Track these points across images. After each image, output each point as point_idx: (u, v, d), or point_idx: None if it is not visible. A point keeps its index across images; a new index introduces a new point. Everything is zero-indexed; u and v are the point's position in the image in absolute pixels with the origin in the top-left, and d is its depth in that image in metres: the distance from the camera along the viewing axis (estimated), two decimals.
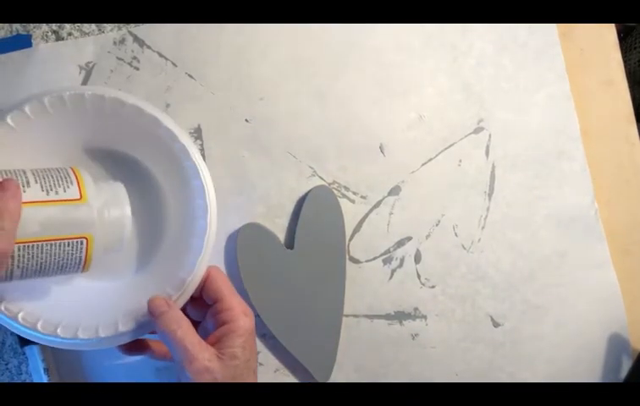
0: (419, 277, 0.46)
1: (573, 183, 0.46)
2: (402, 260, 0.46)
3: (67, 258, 0.32)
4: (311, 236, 0.44)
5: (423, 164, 0.46)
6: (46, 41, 0.43)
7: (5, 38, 0.42)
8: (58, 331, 0.36)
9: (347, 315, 0.46)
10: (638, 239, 0.48)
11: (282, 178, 0.45)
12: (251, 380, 0.36)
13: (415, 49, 0.45)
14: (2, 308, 0.35)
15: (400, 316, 0.46)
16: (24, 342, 0.41)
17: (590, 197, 0.47)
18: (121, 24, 0.43)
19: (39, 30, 0.43)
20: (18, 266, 0.30)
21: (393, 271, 0.46)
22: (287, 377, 0.46)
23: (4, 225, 0.28)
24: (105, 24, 0.43)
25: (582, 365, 0.47)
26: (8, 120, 0.35)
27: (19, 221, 0.29)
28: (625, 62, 0.50)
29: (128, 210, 0.35)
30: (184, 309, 0.38)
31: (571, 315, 0.47)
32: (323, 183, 0.45)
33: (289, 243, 0.44)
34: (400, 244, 0.46)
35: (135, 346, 0.39)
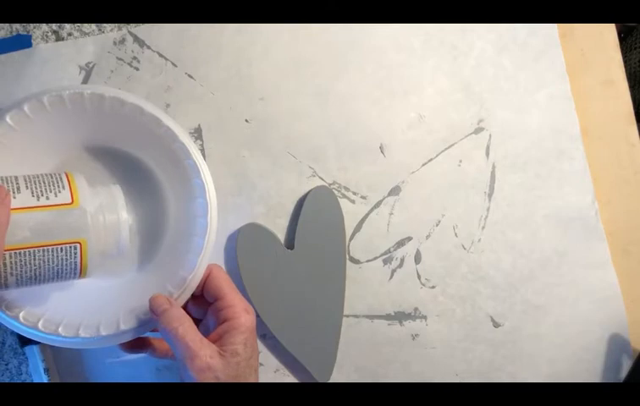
0: (419, 277, 0.46)
1: (573, 183, 0.46)
2: (402, 261, 0.46)
3: (61, 264, 0.32)
4: (311, 236, 0.44)
5: (423, 164, 0.46)
6: (46, 41, 0.43)
7: (5, 38, 0.42)
8: (60, 330, 0.36)
9: (347, 315, 0.46)
10: (638, 239, 0.48)
11: (282, 178, 0.45)
12: (252, 377, 0.36)
13: (415, 49, 0.45)
14: (3, 308, 0.35)
15: (400, 316, 0.46)
16: (24, 342, 0.41)
17: (590, 197, 0.47)
18: (121, 24, 0.43)
19: (39, 30, 0.43)
20: (11, 274, 0.30)
21: (393, 272, 0.46)
22: (287, 377, 0.46)
23: None
24: (105, 24, 0.43)
25: (582, 365, 0.47)
26: (8, 119, 0.35)
27: (9, 227, 0.29)
28: (625, 62, 0.50)
29: (124, 214, 0.35)
30: (185, 307, 0.38)
31: (571, 315, 0.47)
32: (323, 183, 0.45)
33: (289, 243, 0.44)
34: (400, 244, 0.46)
35: (137, 344, 0.39)
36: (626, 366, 0.47)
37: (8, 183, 0.31)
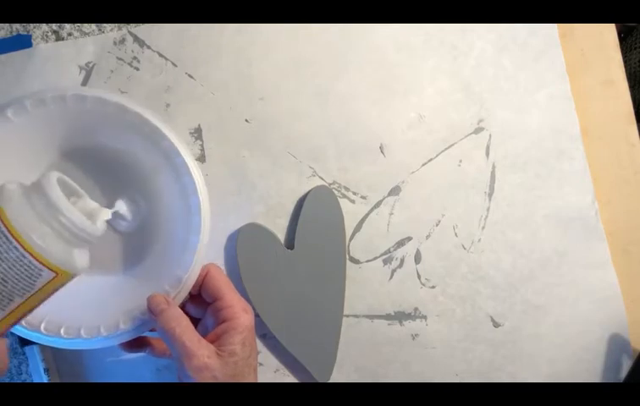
0: (419, 277, 0.46)
1: (573, 183, 0.46)
2: (402, 261, 0.46)
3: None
4: (311, 236, 0.44)
5: (423, 164, 0.46)
6: (46, 41, 0.43)
7: (5, 38, 0.42)
8: (61, 331, 0.36)
9: (347, 315, 0.46)
10: (638, 239, 0.48)
11: (282, 178, 0.45)
12: (250, 377, 0.36)
13: (415, 49, 0.45)
14: None
15: (400, 316, 0.46)
16: (24, 342, 0.41)
17: (590, 197, 0.47)
18: (121, 24, 0.43)
19: (39, 30, 0.43)
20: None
21: (393, 272, 0.46)
22: (287, 377, 0.46)
23: None
24: (105, 24, 0.43)
25: (582, 365, 0.47)
26: (9, 114, 0.35)
27: None
28: (625, 62, 0.50)
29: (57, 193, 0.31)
30: (183, 307, 0.38)
31: (571, 315, 0.47)
32: (323, 183, 0.45)
33: (289, 243, 0.44)
34: (400, 244, 0.46)
35: (135, 343, 0.39)
36: (626, 366, 0.47)
37: None
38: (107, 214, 0.35)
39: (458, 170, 0.46)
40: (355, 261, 0.46)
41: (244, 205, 0.44)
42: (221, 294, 0.37)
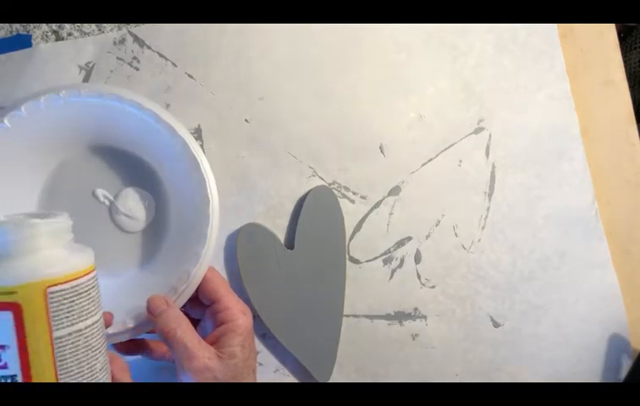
0: (419, 277, 0.46)
1: (573, 183, 0.46)
2: (402, 261, 0.46)
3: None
4: (311, 236, 0.44)
5: (423, 164, 0.46)
6: (46, 41, 0.43)
7: (5, 38, 0.42)
8: None
9: (347, 315, 0.46)
10: (638, 239, 0.48)
11: (282, 178, 0.45)
12: (250, 378, 0.36)
13: (415, 49, 0.45)
14: None
15: (399, 316, 0.46)
16: None
17: (590, 197, 0.47)
18: (121, 24, 0.43)
19: (39, 30, 0.43)
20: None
21: (393, 271, 0.46)
22: (287, 377, 0.46)
23: None
24: (105, 24, 0.43)
25: (582, 365, 0.47)
26: (6, 121, 0.35)
27: None
28: (625, 62, 0.50)
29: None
30: (182, 309, 0.38)
31: (571, 315, 0.47)
32: (323, 183, 0.45)
33: (289, 243, 0.44)
34: (400, 244, 0.46)
35: (133, 346, 0.39)
36: (626, 366, 0.47)
37: None
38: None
39: (458, 170, 0.46)
40: (355, 261, 0.46)
41: (244, 205, 0.44)
42: (219, 296, 0.37)
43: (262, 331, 0.45)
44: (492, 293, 0.47)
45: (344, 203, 0.45)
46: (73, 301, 0.28)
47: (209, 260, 0.38)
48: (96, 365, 0.29)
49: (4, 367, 0.27)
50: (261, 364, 0.45)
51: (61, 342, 0.28)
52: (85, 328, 0.29)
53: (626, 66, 0.49)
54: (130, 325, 0.37)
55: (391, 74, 0.45)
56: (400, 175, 0.46)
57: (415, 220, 0.46)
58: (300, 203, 0.44)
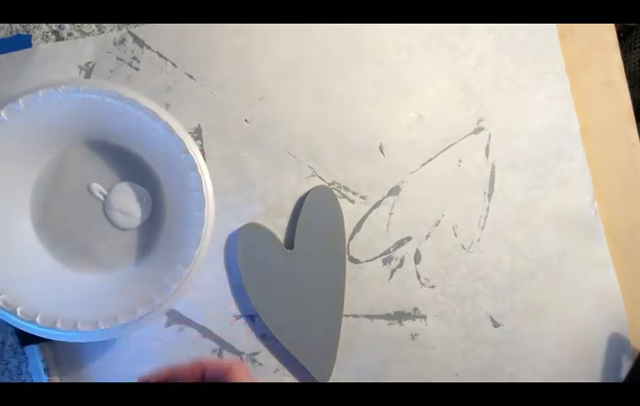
0: (419, 277, 0.46)
1: (573, 183, 0.46)
2: (402, 260, 0.46)
3: None
4: (311, 236, 0.44)
5: (423, 164, 0.46)
6: (46, 41, 0.43)
7: (5, 38, 0.42)
8: (57, 324, 0.36)
9: (347, 315, 0.46)
10: (638, 239, 0.48)
11: (282, 178, 0.45)
12: None
13: (415, 49, 0.45)
14: (1, 302, 0.35)
15: (399, 316, 0.46)
16: (25, 341, 0.41)
17: (590, 197, 0.47)
18: (121, 24, 0.43)
19: (39, 30, 0.43)
20: None
21: (393, 271, 0.46)
22: (287, 377, 0.46)
23: None
24: (105, 24, 0.43)
25: (582, 365, 0.47)
26: (3, 114, 0.35)
27: None
28: (625, 62, 0.50)
29: None
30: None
31: (571, 315, 0.47)
32: (323, 183, 0.45)
33: (289, 243, 0.44)
34: (400, 244, 0.46)
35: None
36: (626, 366, 0.47)
37: None
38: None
39: (458, 170, 0.46)
40: (355, 261, 0.46)
41: (244, 205, 0.44)
42: None
43: (262, 331, 0.45)
44: (492, 293, 0.47)
45: (344, 203, 0.45)
46: None
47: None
48: None
49: None
50: (261, 364, 0.45)
51: None
52: None
53: (625, 66, 0.49)
54: (122, 321, 0.37)
55: (391, 74, 0.45)
56: (399, 175, 0.46)
57: (415, 220, 0.46)
58: (299, 203, 0.44)
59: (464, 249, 0.46)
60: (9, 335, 0.43)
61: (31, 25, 0.43)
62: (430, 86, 0.46)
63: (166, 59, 0.43)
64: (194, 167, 0.38)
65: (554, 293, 0.47)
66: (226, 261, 0.44)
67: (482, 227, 0.46)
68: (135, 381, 0.34)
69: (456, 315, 0.47)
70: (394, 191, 0.46)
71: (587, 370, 0.47)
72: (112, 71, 0.43)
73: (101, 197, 0.41)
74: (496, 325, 0.47)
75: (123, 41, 0.43)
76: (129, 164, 0.41)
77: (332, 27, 0.45)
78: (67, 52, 0.43)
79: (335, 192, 0.45)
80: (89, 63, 0.43)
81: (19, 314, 0.36)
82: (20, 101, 0.36)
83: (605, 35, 0.47)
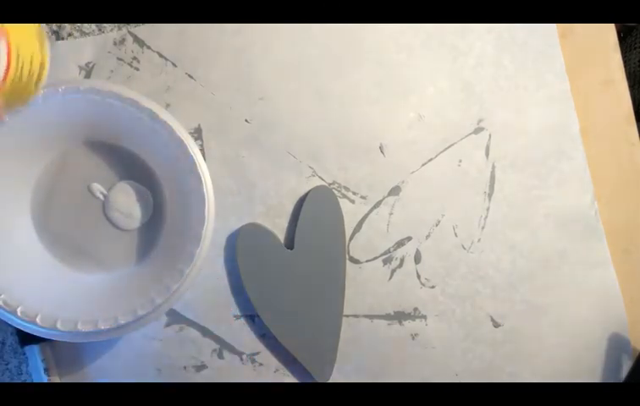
0: (419, 277, 0.46)
1: (573, 183, 0.46)
2: (402, 261, 0.46)
3: None
4: (311, 236, 0.44)
5: (423, 164, 0.46)
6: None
7: None
8: (58, 324, 0.36)
9: (347, 315, 0.46)
10: (638, 239, 0.48)
11: (282, 178, 0.45)
12: None
13: (415, 49, 0.45)
14: (1, 302, 0.35)
15: (399, 316, 0.46)
16: (25, 341, 0.41)
17: (590, 197, 0.47)
18: (121, 24, 0.43)
19: None
20: None
21: (393, 272, 0.46)
22: (287, 377, 0.46)
23: None
24: (105, 24, 0.43)
25: (582, 365, 0.47)
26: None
27: None
28: (625, 62, 0.50)
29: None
30: None
31: (571, 315, 0.47)
32: (323, 183, 0.45)
33: (289, 243, 0.44)
34: (400, 244, 0.46)
35: None
36: (626, 366, 0.47)
37: None
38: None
39: (458, 170, 0.46)
40: (355, 261, 0.46)
41: (244, 205, 0.44)
42: None
43: (262, 331, 0.45)
44: (492, 293, 0.47)
45: (344, 203, 0.45)
46: None
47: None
48: None
49: None
50: (261, 364, 0.45)
51: None
52: None
53: (625, 66, 0.49)
54: (122, 321, 0.37)
55: (391, 74, 0.45)
56: (399, 175, 0.46)
57: (415, 220, 0.46)
58: (299, 203, 0.44)
59: (464, 249, 0.46)
60: (9, 335, 0.43)
61: None
62: (430, 86, 0.46)
63: (166, 59, 0.43)
64: (194, 168, 0.38)
65: (554, 293, 0.47)
66: (226, 261, 0.44)
67: (483, 227, 0.46)
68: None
69: (456, 315, 0.47)
70: (395, 191, 0.46)
71: (587, 370, 0.47)
72: (112, 71, 0.43)
73: (101, 197, 0.41)
74: (496, 325, 0.47)
75: (123, 41, 0.43)
76: (129, 164, 0.41)
77: (332, 27, 0.45)
78: (67, 52, 0.43)
79: (335, 192, 0.45)
80: (89, 62, 0.43)
81: (19, 314, 0.36)
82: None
83: (605, 35, 0.47)
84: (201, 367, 0.44)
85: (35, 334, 0.37)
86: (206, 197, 0.38)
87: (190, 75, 0.44)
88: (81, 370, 0.44)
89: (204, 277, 0.44)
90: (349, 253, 0.46)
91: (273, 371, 0.45)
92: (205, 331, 0.44)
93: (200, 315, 0.44)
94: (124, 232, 0.41)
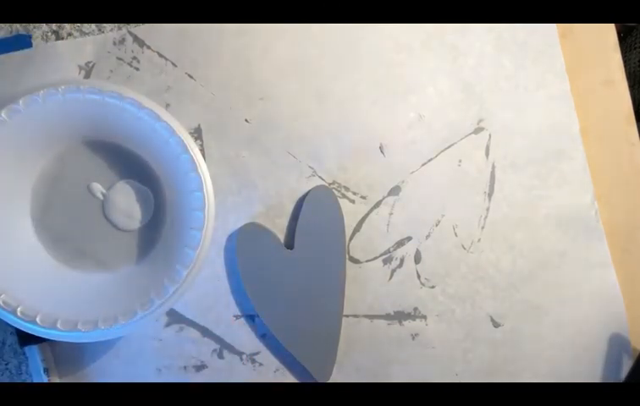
0: (419, 277, 0.46)
1: (573, 183, 0.46)
2: (402, 260, 0.46)
3: None
4: (311, 236, 0.44)
5: (423, 164, 0.46)
6: (46, 41, 0.43)
7: (5, 38, 0.42)
8: (58, 324, 0.36)
9: (347, 315, 0.46)
10: (638, 239, 0.48)
11: (282, 178, 0.45)
12: None
13: (415, 49, 0.45)
14: (1, 302, 0.35)
15: (399, 316, 0.46)
16: (25, 341, 0.41)
17: (590, 197, 0.47)
18: (121, 24, 0.43)
19: (39, 30, 0.43)
20: None
21: (393, 271, 0.46)
22: (287, 377, 0.46)
23: None
24: (105, 24, 0.43)
25: (582, 365, 0.47)
26: (3, 114, 0.35)
27: None
28: (625, 62, 0.50)
29: None
30: None
31: (571, 315, 0.47)
32: (323, 183, 0.45)
33: (289, 243, 0.44)
34: (400, 244, 0.46)
35: None
36: (626, 366, 0.47)
37: None
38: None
39: (458, 170, 0.46)
40: (355, 261, 0.46)
41: (244, 205, 0.44)
42: None
43: (262, 331, 0.45)
44: (492, 293, 0.47)
45: (344, 203, 0.45)
46: None
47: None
48: None
49: None
50: (261, 364, 0.45)
51: None
52: None
53: (625, 66, 0.49)
54: (122, 321, 0.37)
55: (391, 74, 0.45)
56: (399, 175, 0.46)
57: (415, 220, 0.46)
58: (299, 203, 0.44)
59: (464, 249, 0.46)
60: (9, 335, 0.43)
61: (31, 25, 0.42)
62: (430, 86, 0.46)
63: (166, 59, 0.43)
64: (194, 168, 0.38)
65: (554, 293, 0.47)
66: (226, 261, 0.44)
67: (483, 227, 0.46)
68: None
69: (456, 315, 0.47)
70: (394, 191, 0.46)
71: (587, 370, 0.47)
72: (112, 71, 0.43)
73: (101, 197, 0.41)
74: (496, 325, 0.47)
75: (123, 40, 0.43)
76: (129, 164, 0.41)
77: (332, 27, 0.45)
78: (67, 52, 0.43)
79: (335, 192, 0.45)
80: (89, 62, 0.43)
81: (19, 314, 0.36)
82: (20, 101, 0.36)
83: (605, 35, 0.47)
84: (201, 367, 0.44)
85: (35, 334, 0.37)
86: (206, 197, 0.38)
87: (190, 75, 0.44)
88: (81, 370, 0.44)
89: (204, 277, 0.44)
90: (349, 253, 0.46)
91: (273, 371, 0.45)
92: (205, 332, 0.44)
93: (200, 315, 0.44)
94: (124, 232, 0.41)
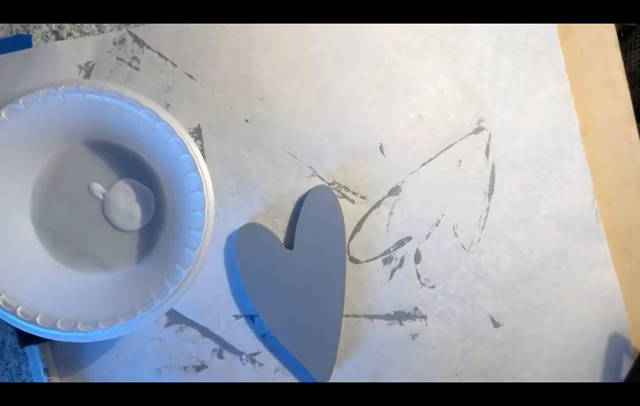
0: (419, 277, 0.46)
1: (573, 183, 0.46)
2: (402, 260, 0.46)
3: None
4: (311, 236, 0.44)
5: (423, 164, 0.46)
6: (46, 41, 0.43)
7: (5, 38, 0.42)
8: (58, 324, 0.36)
9: (347, 315, 0.46)
10: (638, 239, 0.48)
11: (282, 178, 0.45)
12: None
13: (415, 49, 0.45)
14: (1, 302, 0.35)
15: (399, 316, 0.46)
16: (25, 341, 0.41)
17: (590, 197, 0.47)
18: (121, 24, 0.43)
19: (39, 30, 0.43)
20: None
21: (393, 271, 0.46)
22: (287, 377, 0.46)
23: None
24: (105, 24, 0.43)
25: (582, 365, 0.47)
26: (3, 114, 0.35)
27: None
28: (625, 62, 0.50)
29: None
30: None
31: (571, 315, 0.47)
32: (323, 183, 0.45)
33: (289, 243, 0.44)
34: (400, 244, 0.46)
35: None
36: (626, 366, 0.47)
37: None
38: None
39: (458, 170, 0.46)
40: (355, 261, 0.46)
41: (244, 205, 0.44)
42: None
43: (262, 331, 0.45)
44: (492, 293, 0.47)
45: (344, 203, 0.45)
46: None
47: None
48: None
49: None
50: (261, 364, 0.45)
51: None
52: None
53: (626, 66, 0.49)
54: (122, 321, 0.37)
55: (391, 74, 0.45)
56: (399, 175, 0.46)
57: (415, 220, 0.46)
58: (299, 203, 0.44)
59: (464, 249, 0.46)
60: (9, 335, 0.43)
61: (31, 25, 0.43)
62: (430, 86, 0.46)
63: (166, 59, 0.43)
64: (194, 168, 0.38)
65: (554, 293, 0.47)
66: (226, 261, 0.44)
67: (483, 227, 0.46)
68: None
69: (456, 315, 0.47)
70: (394, 191, 0.46)
71: (587, 370, 0.47)
72: (112, 71, 0.43)
73: (101, 197, 0.41)
74: (496, 325, 0.47)
75: (123, 40, 0.43)
76: (129, 164, 0.41)
77: (332, 27, 0.45)
78: (67, 52, 0.43)
79: (335, 192, 0.45)
80: (89, 62, 0.43)
81: (19, 314, 0.36)
82: (20, 101, 0.36)
83: (605, 35, 0.47)
84: (201, 367, 0.45)
85: (35, 334, 0.37)
86: (206, 197, 0.38)
87: (190, 75, 0.44)
88: (81, 370, 0.44)
89: (204, 277, 0.44)
90: (349, 253, 0.46)
91: (273, 371, 0.45)
92: (205, 332, 0.44)
93: (200, 315, 0.44)
94: (124, 232, 0.41)
